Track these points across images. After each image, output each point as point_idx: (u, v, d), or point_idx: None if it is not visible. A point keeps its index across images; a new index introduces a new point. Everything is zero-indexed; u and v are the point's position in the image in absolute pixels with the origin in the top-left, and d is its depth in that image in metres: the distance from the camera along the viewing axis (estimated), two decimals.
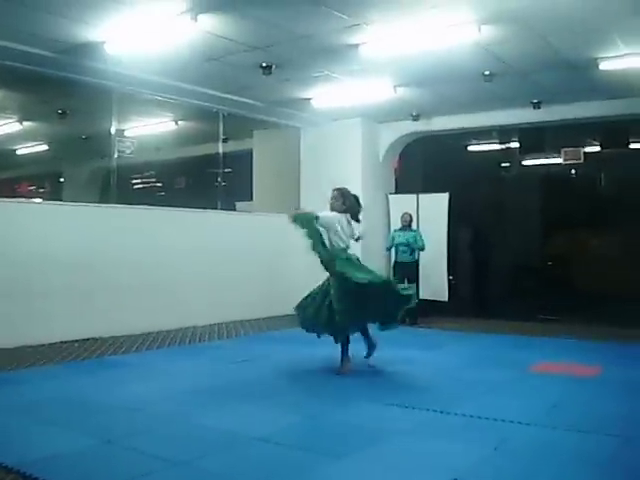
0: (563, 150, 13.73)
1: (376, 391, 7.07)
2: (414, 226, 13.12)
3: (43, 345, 9.41)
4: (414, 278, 12.54)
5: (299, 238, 14.11)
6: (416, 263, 12.85)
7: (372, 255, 13.96)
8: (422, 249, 12.70)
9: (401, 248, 12.76)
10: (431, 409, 6.30)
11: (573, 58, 9.40)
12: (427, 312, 13.08)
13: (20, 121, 14.15)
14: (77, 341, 9.82)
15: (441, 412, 6.21)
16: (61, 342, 9.65)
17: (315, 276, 14.03)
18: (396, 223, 14.12)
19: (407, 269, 12.62)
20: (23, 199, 13.89)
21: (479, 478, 4.52)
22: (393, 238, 12.95)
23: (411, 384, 7.57)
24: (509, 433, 5.57)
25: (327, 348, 10.06)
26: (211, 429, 5.66)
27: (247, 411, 6.29)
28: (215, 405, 6.51)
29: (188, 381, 7.60)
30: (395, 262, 12.90)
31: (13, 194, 15.70)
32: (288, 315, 13.50)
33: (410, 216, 12.94)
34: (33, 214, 10.05)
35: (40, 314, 9.62)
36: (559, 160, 14.08)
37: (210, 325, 11.95)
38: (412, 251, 12.70)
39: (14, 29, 8.43)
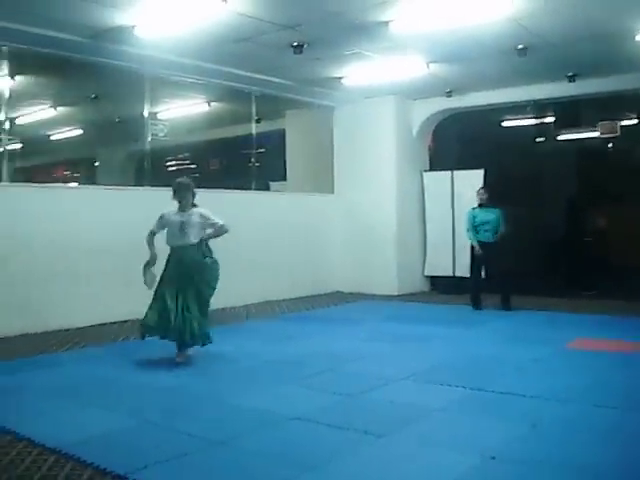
0: (599, 124, 13.54)
1: (411, 369, 7.05)
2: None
3: (83, 327, 9.56)
4: (496, 259, 11.55)
5: (334, 217, 14.19)
6: (497, 243, 11.61)
7: (407, 233, 13.98)
8: (502, 232, 11.62)
9: (484, 227, 11.58)
10: (467, 387, 6.30)
11: (608, 30, 9.24)
12: (463, 289, 13.03)
13: (54, 107, 14.25)
14: (116, 323, 9.94)
15: (478, 390, 6.20)
16: (100, 324, 9.78)
17: (351, 255, 14.15)
18: (431, 200, 14.12)
19: (489, 250, 11.51)
20: (59, 184, 14.02)
21: (516, 456, 4.50)
22: (474, 217, 11.74)
23: (446, 362, 7.54)
24: (546, 411, 5.55)
25: (365, 326, 10.12)
26: (248, 409, 5.71)
27: (283, 390, 6.33)
28: (251, 385, 6.58)
29: (224, 362, 7.67)
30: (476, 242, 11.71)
31: (49, 179, 15.85)
32: (323, 294, 13.63)
33: (485, 192, 11.86)
34: (70, 198, 10.16)
35: (81, 297, 9.76)
36: (595, 134, 13.89)
37: (246, 305, 12.02)
38: (495, 230, 11.64)
39: (46, 16, 8.49)
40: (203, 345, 7.65)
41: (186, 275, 7.64)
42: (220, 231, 7.91)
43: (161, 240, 7.81)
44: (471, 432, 5.03)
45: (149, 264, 7.81)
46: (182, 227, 7.75)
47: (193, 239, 7.74)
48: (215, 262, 7.88)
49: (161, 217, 7.91)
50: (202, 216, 7.87)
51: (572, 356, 7.79)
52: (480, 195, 11.79)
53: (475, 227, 11.66)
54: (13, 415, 5.54)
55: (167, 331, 7.48)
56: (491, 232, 11.56)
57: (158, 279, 7.75)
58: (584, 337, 8.83)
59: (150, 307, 7.64)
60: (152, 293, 7.69)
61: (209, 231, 7.89)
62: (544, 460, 4.40)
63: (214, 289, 7.86)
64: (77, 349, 8.38)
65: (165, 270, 7.77)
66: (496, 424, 5.20)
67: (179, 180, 8.06)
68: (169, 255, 7.82)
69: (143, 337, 7.74)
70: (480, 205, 11.77)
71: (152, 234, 7.90)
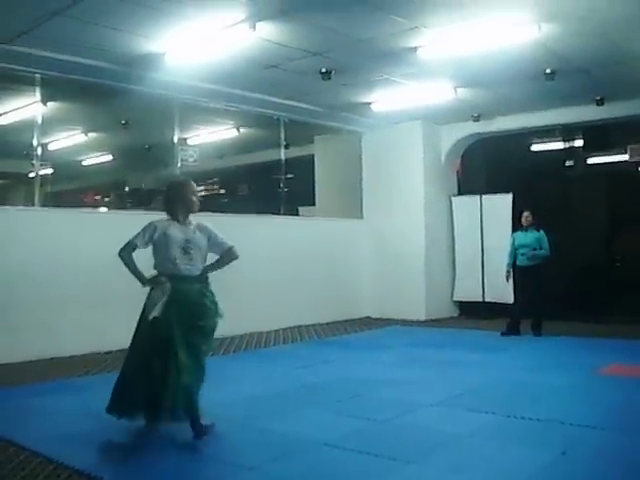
0: (629, 147, 13.45)
1: (439, 395, 7.00)
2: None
3: (113, 351, 9.60)
4: (537, 286, 11.16)
5: (363, 242, 14.16)
6: (539, 268, 11.26)
7: (436, 258, 13.94)
8: (545, 256, 11.25)
9: (521, 250, 11.35)
10: (497, 413, 6.24)
11: (636, 52, 9.20)
12: (492, 314, 12.97)
13: (85, 132, 14.45)
14: None
15: (507, 416, 6.13)
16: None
17: (380, 280, 14.11)
18: (459, 225, 14.10)
19: (528, 275, 11.21)
20: (89, 208, 14.16)
21: None
22: (514, 240, 11.62)
23: (476, 387, 7.46)
24: (576, 437, 5.47)
25: (394, 351, 10.08)
26: (278, 434, 5.68)
27: (312, 416, 6.32)
28: (281, 410, 6.55)
29: (254, 386, 7.65)
30: (515, 266, 11.48)
31: (80, 204, 16.01)
32: (350, 320, 13.60)
33: (530, 215, 11.52)
34: (99, 223, 10.25)
35: (110, 320, 9.80)
36: (625, 157, 13.80)
37: (275, 330, 12.02)
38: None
39: (78, 44, 8.64)
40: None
41: (191, 320, 5.45)
42: (231, 257, 5.78)
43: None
44: (501, 459, 4.98)
45: (153, 283, 5.59)
46: (187, 248, 5.51)
47: (199, 267, 5.60)
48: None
49: (150, 226, 5.66)
50: (206, 232, 5.73)
51: (604, 382, 7.69)
52: (524, 218, 11.55)
53: (516, 250, 11.45)
54: (42, 438, 5.54)
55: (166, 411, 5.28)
56: (527, 256, 11.26)
57: (136, 330, 5.93)
58: (616, 363, 8.72)
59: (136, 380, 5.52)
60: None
61: (216, 259, 5.76)
62: None
63: (208, 346, 5.76)
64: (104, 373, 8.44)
65: (151, 317, 5.63)
66: (526, 451, 5.13)
67: (178, 180, 5.78)
68: (170, 291, 5.46)
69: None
70: (525, 228, 11.51)
71: (132, 249, 5.62)
